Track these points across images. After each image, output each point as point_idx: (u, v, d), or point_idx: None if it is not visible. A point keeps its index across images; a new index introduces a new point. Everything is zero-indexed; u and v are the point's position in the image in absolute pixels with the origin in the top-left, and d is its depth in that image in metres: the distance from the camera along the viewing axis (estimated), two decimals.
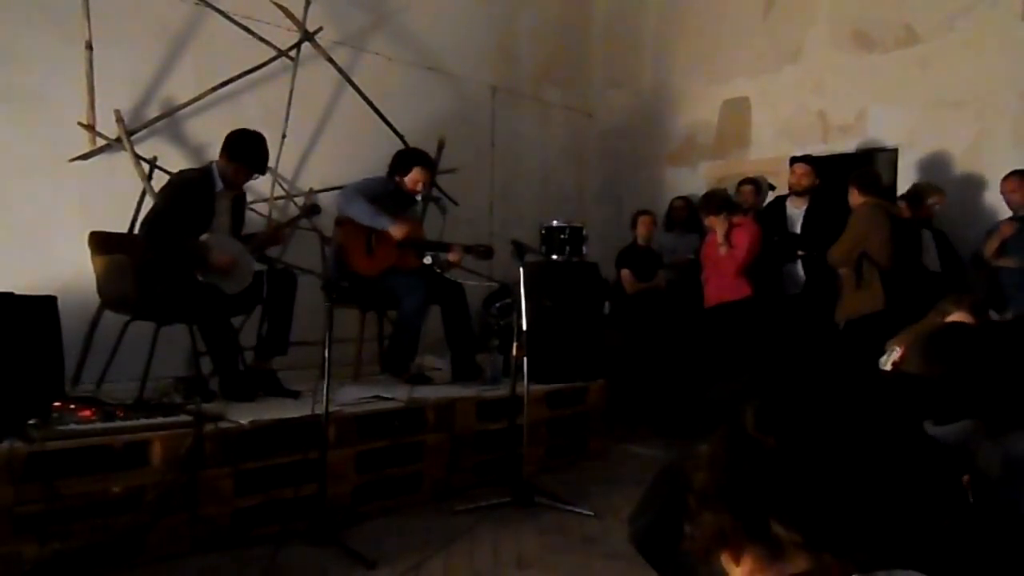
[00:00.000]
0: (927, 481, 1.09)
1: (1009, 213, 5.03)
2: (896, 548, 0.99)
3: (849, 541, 0.95)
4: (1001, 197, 5.08)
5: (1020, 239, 4.84)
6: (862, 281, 4.59)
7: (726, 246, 5.24)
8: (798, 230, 5.53)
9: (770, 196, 6.03)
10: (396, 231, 4.45)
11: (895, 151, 5.88)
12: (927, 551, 1.05)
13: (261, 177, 4.29)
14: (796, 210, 5.58)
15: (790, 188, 5.61)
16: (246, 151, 3.96)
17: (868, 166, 5.64)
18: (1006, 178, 4.98)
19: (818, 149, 6.24)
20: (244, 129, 4.01)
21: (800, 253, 5.42)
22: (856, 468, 0.96)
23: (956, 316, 2.84)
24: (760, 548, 0.97)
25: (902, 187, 5.59)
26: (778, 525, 0.94)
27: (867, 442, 0.99)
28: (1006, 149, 5.28)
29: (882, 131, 5.97)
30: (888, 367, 2.94)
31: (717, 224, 5.31)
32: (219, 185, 3.96)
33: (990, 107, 5.41)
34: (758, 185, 6.09)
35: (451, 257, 4.67)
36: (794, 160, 5.72)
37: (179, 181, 3.98)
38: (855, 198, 4.84)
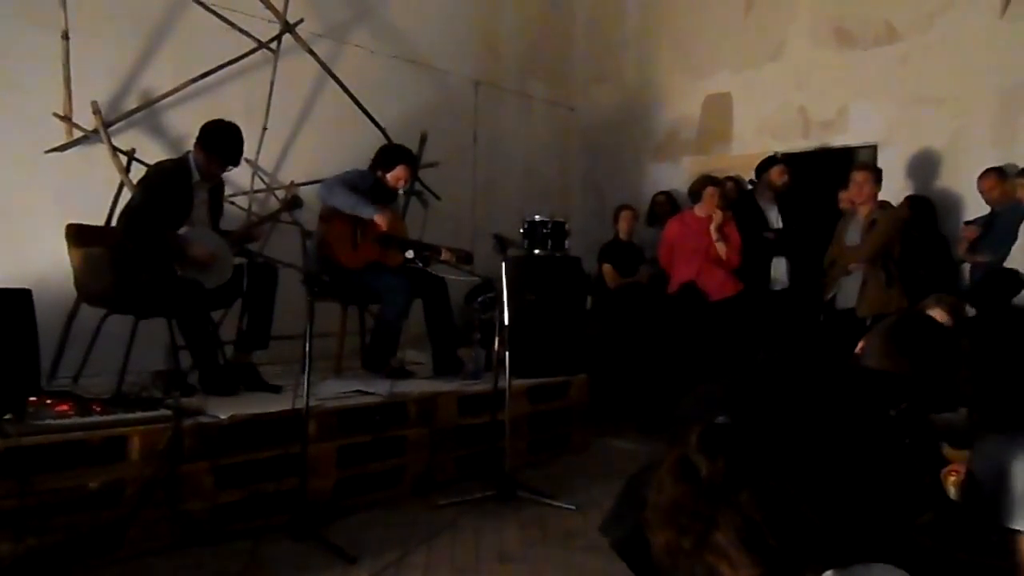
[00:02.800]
0: (878, 494, 1.12)
1: (984, 209, 5.11)
2: (845, 552, 1.01)
3: (795, 555, 0.96)
4: (978, 194, 5.15)
5: (989, 236, 4.92)
6: (891, 279, 4.76)
7: (723, 242, 5.25)
8: (773, 225, 5.60)
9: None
10: (380, 220, 4.40)
11: (874, 147, 5.93)
12: (902, 548, 1.06)
13: (238, 169, 4.25)
14: (769, 206, 5.64)
15: (772, 187, 5.63)
16: (219, 143, 3.89)
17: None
18: (982, 176, 5.06)
19: (799, 145, 6.29)
20: (220, 120, 3.94)
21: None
22: (796, 489, 0.98)
23: (932, 313, 2.88)
24: (713, 557, 0.98)
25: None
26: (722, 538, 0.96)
27: (808, 464, 1.02)
28: (984, 146, 5.34)
29: (862, 127, 6.02)
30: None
31: (715, 204, 5.28)
32: (196, 175, 3.92)
33: (969, 104, 5.47)
34: (739, 183, 6.15)
35: (442, 257, 4.65)
36: (772, 161, 5.76)
37: (157, 172, 3.93)
38: (877, 194, 4.98)
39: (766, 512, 0.95)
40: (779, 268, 5.52)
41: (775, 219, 5.61)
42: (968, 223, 5.15)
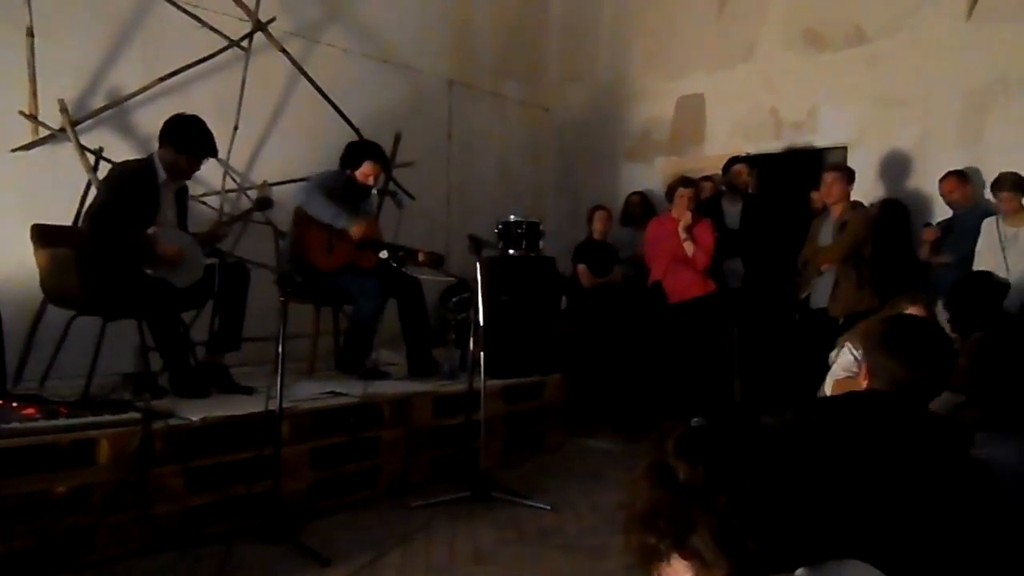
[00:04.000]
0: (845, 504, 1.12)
1: (947, 211, 5.20)
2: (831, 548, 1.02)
3: (771, 557, 0.97)
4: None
5: (951, 237, 5.00)
6: (863, 279, 4.80)
7: (691, 243, 5.30)
8: (732, 227, 5.67)
9: None
10: (355, 231, 4.40)
11: (845, 149, 6.01)
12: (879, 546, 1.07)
13: (209, 168, 4.18)
14: (732, 207, 5.70)
15: (738, 187, 5.72)
16: (188, 139, 3.81)
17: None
18: (944, 178, 5.12)
19: (771, 146, 6.35)
20: (178, 117, 3.83)
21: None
22: (768, 489, 0.99)
23: (911, 312, 2.92)
24: (689, 560, 0.99)
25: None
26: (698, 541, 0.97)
27: (781, 467, 1.02)
28: (949, 148, 5.42)
29: (832, 129, 6.09)
30: (840, 376, 2.99)
31: (684, 205, 5.32)
32: (162, 176, 3.84)
33: (935, 106, 5.55)
34: (716, 184, 6.21)
35: (419, 260, 4.63)
36: (734, 160, 5.86)
37: (121, 173, 3.83)
38: (849, 194, 5.01)
39: (743, 515, 0.95)
40: (729, 267, 5.62)
41: (736, 219, 5.67)
42: (928, 225, 5.22)
